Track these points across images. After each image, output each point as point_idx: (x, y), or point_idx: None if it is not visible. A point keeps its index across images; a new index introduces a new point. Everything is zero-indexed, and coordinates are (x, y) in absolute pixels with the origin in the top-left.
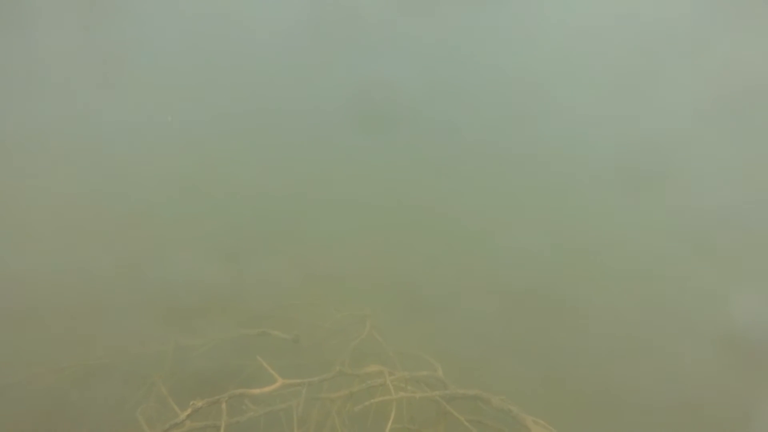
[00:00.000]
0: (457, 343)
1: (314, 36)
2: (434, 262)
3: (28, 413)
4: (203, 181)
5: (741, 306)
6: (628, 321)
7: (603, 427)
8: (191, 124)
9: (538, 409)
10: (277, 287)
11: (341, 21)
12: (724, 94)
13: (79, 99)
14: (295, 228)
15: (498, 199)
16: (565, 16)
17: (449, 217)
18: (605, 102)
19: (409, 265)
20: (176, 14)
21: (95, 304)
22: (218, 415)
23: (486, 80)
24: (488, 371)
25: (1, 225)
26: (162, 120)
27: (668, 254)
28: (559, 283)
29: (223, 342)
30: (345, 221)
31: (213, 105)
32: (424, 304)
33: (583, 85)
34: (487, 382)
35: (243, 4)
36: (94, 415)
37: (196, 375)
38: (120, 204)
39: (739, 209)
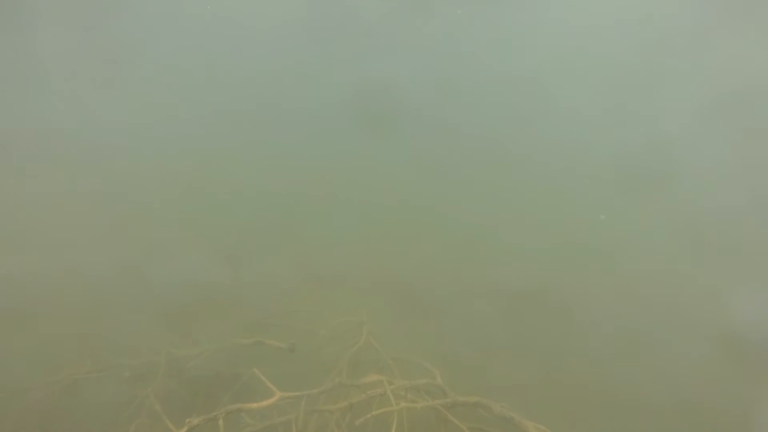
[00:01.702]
0: (457, 347)
1: (313, 34)
2: (432, 264)
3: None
4: (201, 182)
5: (741, 306)
6: (629, 322)
7: (606, 429)
8: (190, 124)
9: (541, 412)
10: (273, 292)
11: (342, 19)
12: (725, 93)
13: (79, 99)
14: (292, 229)
15: (497, 199)
16: (567, 15)
17: (448, 218)
18: (606, 102)
19: (407, 267)
20: (176, 14)
21: (83, 311)
22: (215, 431)
23: (486, 80)
24: (489, 374)
25: None
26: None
27: (668, 254)
28: (560, 285)
29: (218, 351)
30: (343, 222)
31: (211, 105)
32: (422, 307)
33: (584, 85)
34: (488, 385)
35: (244, 4)
36: None
37: (190, 385)
38: (115, 206)
39: (740, 209)
